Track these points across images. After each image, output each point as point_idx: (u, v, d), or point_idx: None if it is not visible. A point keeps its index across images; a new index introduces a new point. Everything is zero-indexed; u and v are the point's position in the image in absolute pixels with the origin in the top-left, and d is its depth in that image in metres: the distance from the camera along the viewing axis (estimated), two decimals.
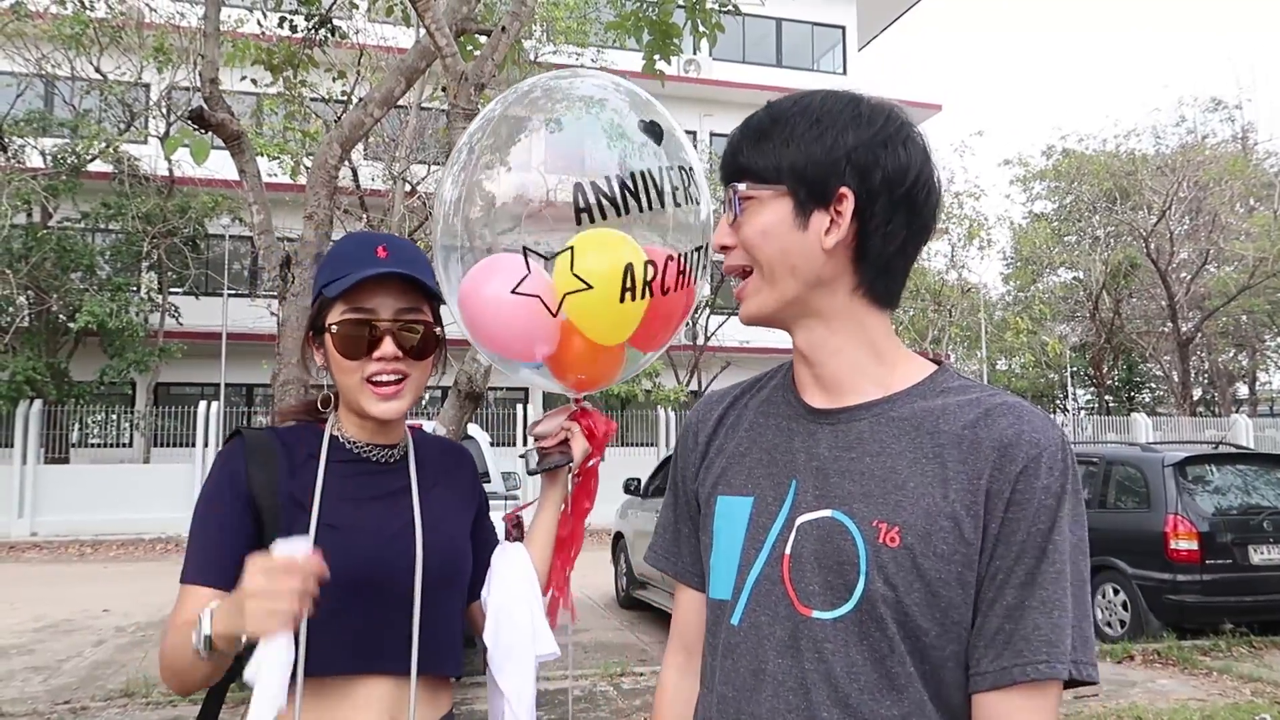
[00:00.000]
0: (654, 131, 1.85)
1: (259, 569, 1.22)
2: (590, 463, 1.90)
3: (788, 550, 1.11)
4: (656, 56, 5.43)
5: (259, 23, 8.73)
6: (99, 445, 19.21)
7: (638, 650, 7.58)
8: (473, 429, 7.62)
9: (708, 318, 21.28)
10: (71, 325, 16.96)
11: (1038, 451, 1.05)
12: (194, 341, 19.07)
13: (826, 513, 1.10)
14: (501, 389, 19.16)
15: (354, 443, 1.58)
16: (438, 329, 1.59)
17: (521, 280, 1.71)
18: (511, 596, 1.62)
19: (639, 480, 9.69)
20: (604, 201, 1.74)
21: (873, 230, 1.12)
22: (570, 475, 1.85)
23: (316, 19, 5.80)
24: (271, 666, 1.24)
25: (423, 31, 3.64)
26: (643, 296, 1.74)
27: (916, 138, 1.15)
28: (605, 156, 1.86)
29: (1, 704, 5.81)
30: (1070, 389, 30.13)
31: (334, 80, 6.68)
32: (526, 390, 20.24)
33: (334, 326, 1.51)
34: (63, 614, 9.07)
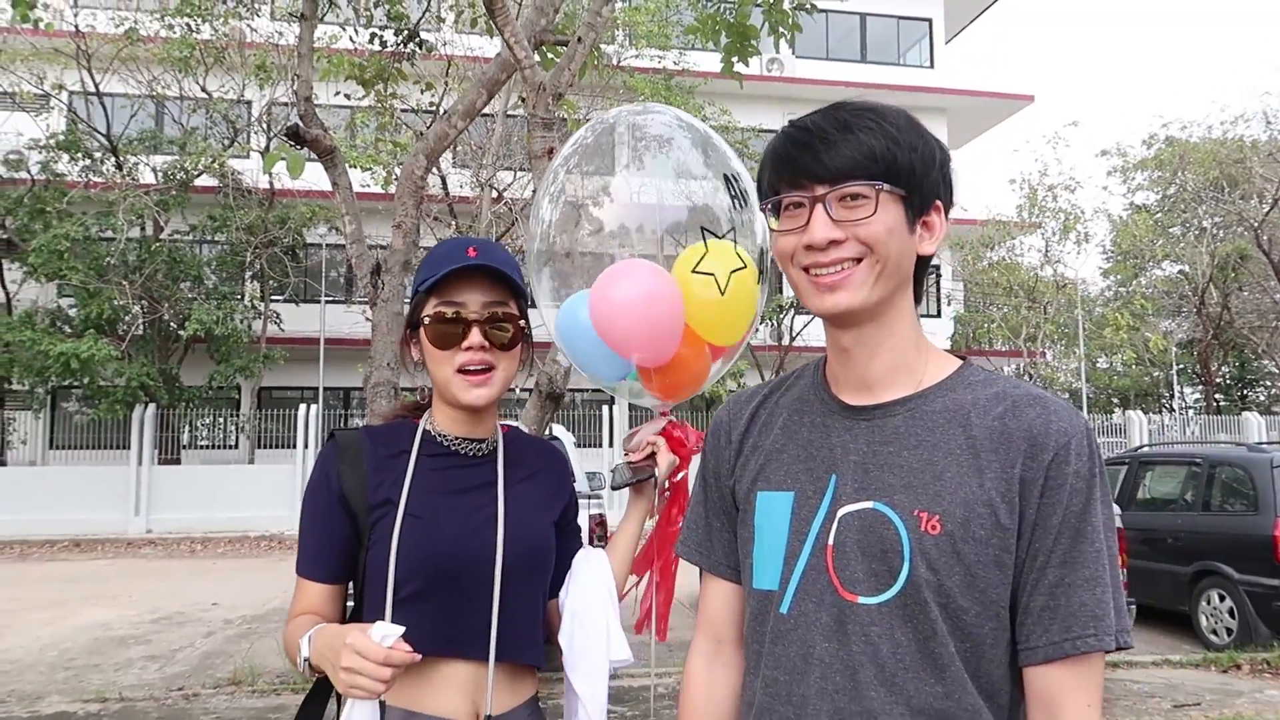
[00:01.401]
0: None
1: (355, 648, 1.33)
2: (679, 476, 1.96)
3: (830, 541, 1.19)
4: (735, 59, 5.46)
5: (351, 39, 9.09)
6: (207, 447, 20.13)
7: None
8: (558, 430, 7.77)
9: (792, 318, 21.16)
10: (181, 333, 17.85)
11: (1066, 440, 1.13)
12: (294, 347, 19.84)
13: (868, 504, 1.17)
14: (587, 390, 19.37)
15: (445, 436, 1.68)
16: (523, 322, 1.68)
17: (701, 259, 1.85)
18: (588, 601, 1.68)
19: None
20: (740, 192, 2.01)
21: (934, 239, 1.24)
22: (656, 488, 1.90)
23: (406, 33, 6.02)
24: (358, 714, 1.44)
25: (503, 47, 3.76)
26: (765, 281, 1.94)
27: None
28: (674, 188, 2.12)
29: (122, 689, 6.19)
30: (1177, 387, 28.90)
31: (422, 92, 6.89)
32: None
33: (426, 319, 1.62)
34: (176, 606, 9.57)
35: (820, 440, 1.26)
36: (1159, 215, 28.19)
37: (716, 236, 1.90)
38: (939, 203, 1.23)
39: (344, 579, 1.64)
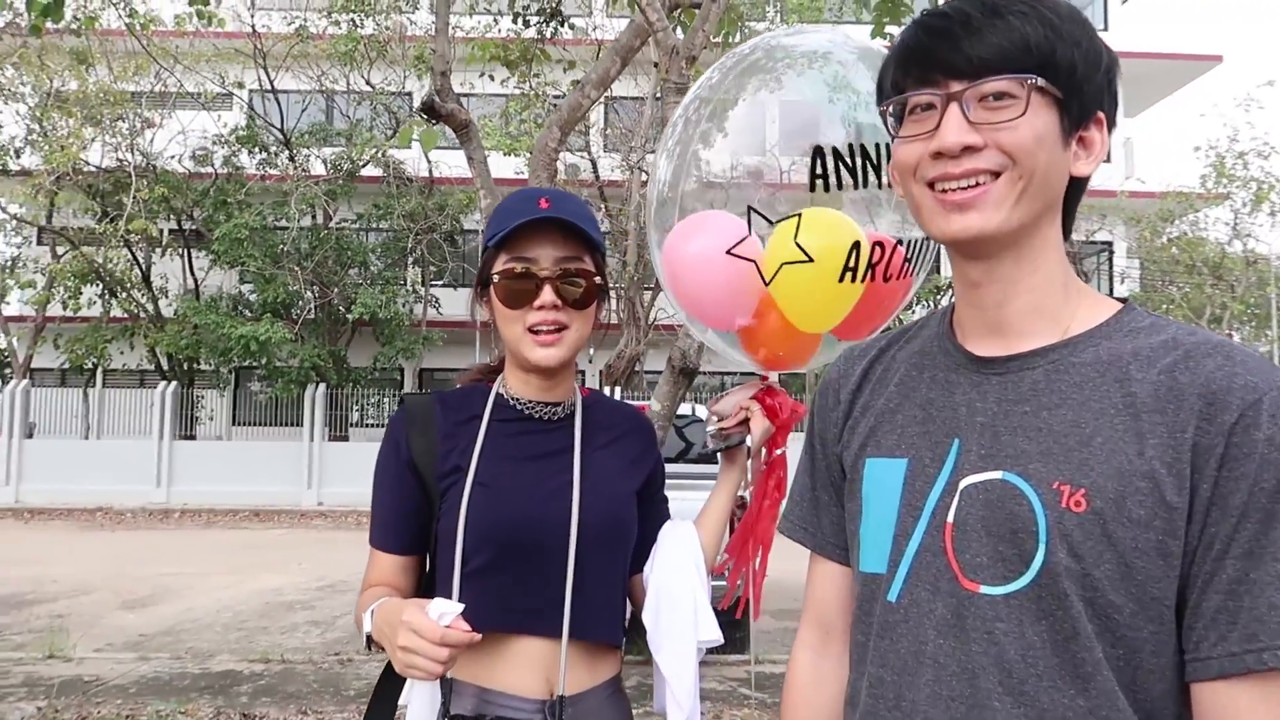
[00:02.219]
0: None
1: (410, 626, 1.25)
2: (778, 451, 1.81)
3: (950, 517, 0.99)
4: (886, 20, 5.17)
5: (499, 29, 9.25)
6: (373, 425, 21.14)
7: None
8: (701, 410, 7.66)
9: (950, 298, 20.24)
10: (349, 316, 18.80)
11: (1255, 398, 0.88)
12: (452, 330, 20.54)
13: (996, 474, 0.97)
14: (731, 372, 19.20)
15: (518, 400, 1.58)
16: (599, 279, 1.56)
17: (740, 242, 1.64)
18: (675, 576, 1.56)
19: None
20: (843, 170, 1.62)
21: (1091, 158, 1.01)
22: (750, 458, 1.75)
23: (549, 12, 6.02)
24: (420, 702, 1.36)
25: (637, 9, 3.65)
26: (862, 280, 1.62)
27: None
28: (829, 112, 1.75)
29: (285, 652, 6.52)
30: None
31: (565, 70, 6.90)
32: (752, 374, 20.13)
33: (497, 276, 1.52)
34: (340, 575, 10.06)
35: (942, 399, 1.06)
36: None
37: (767, 220, 1.63)
38: (1101, 114, 1.00)
39: (417, 549, 1.56)
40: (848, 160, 1.62)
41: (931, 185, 1.00)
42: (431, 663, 1.23)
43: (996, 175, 0.96)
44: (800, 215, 1.63)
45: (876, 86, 1.08)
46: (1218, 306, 22.10)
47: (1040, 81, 0.95)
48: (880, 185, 1.65)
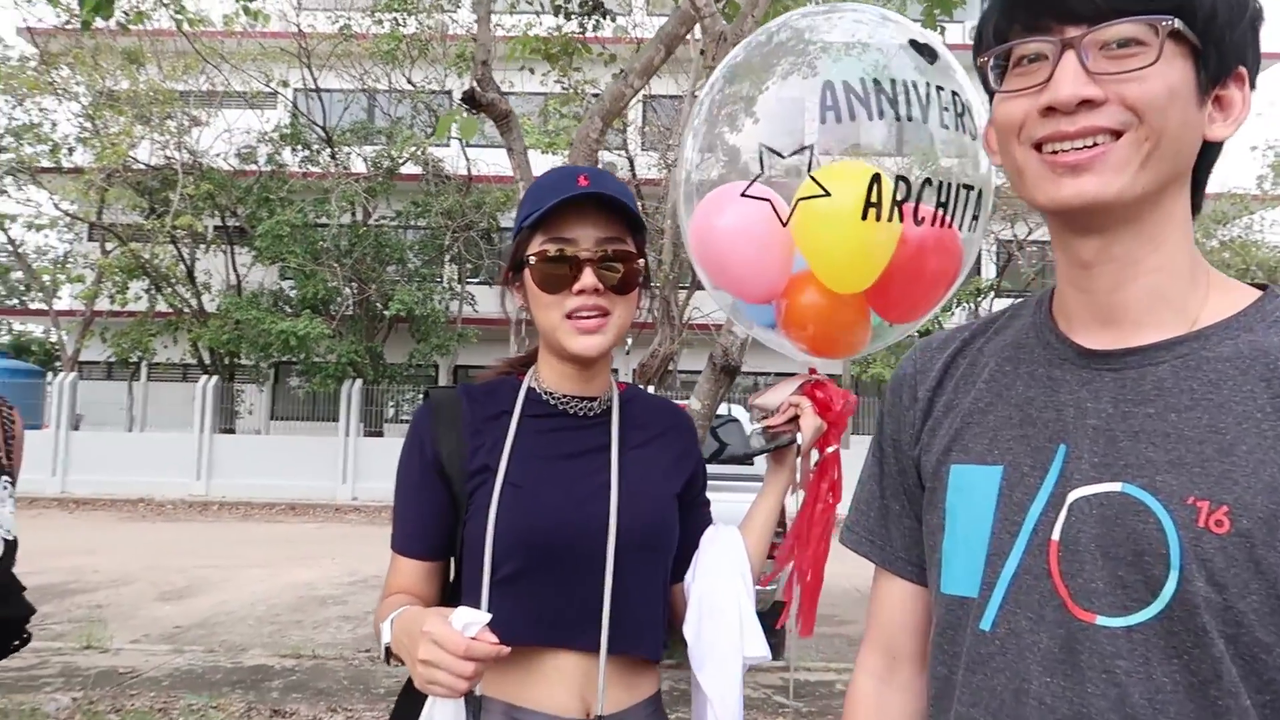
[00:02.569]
0: (926, 52, 1.60)
1: (432, 637, 1.14)
2: (830, 449, 1.68)
3: (1055, 535, 0.86)
4: (937, 12, 5.03)
5: (541, 24, 9.22)
6: (408, 421, 21.15)
7: None
8: (737, 410, 7.55)
9: (992, 301, 19.91)
10: (386, 312, 18.90)
11: None
12: (488, 327, 20.56)
13: (1115, 486, 0.84)
14: (769, 373, 19.02)
15: (552, 394, 1.47)
16: (642, 261, 1.45)
17: (754, 180, 1.55)
18: (718, 586, 1.43)
19: None
20: (854, 100, 1.52)
21: (1230, 121, 0.88)
22: (800, 459, 1.62)
23: (590, 4, 5.94)
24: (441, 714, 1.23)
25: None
26: (889, 218, 1.49)
27: None
28: (859, 104, 1.61)
29: (316, 647, 6.51)
30: None
31: (605, 64, 6.82)
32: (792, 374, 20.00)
33: (532, 258, 1.41)
34: (373, 570, 10.06)
35: (1044, 398, 0.92)
36: None
37: (779, 156, 1.56)
38: (1243, 70, 0.86)
39: (442, 555, 1.45)
40: (859, 93, 1.55)
41: (1039, 146, 0.87)
42: (455, 678, 1.12)
43: (1118, 135, 0.83)
44: (811, 146, 1.54)
45: (975, 36, 0.95)
46: None
47: (1178, 24, 0.81)
48: (898, 117, 1.56)
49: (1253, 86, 0.89)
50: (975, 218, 1.64)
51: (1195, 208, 0.92)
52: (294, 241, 18.21)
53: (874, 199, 1.48)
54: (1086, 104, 0.83)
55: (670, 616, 1.51)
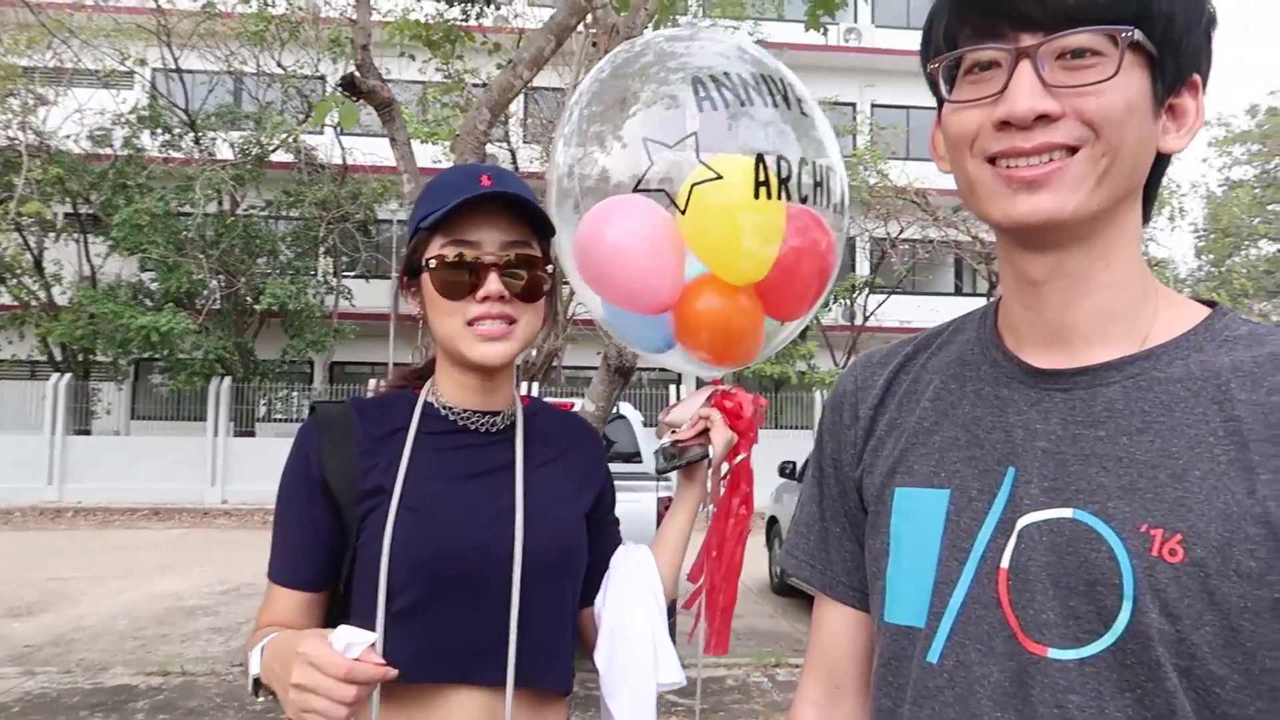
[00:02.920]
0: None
1: (308, 659, 1.02)
2: (739, 457, 1.64)
3: (1004, 563, 0.82)
4: (820, 12, 5.09)
5: (421, 9, 8.99)
6: (281, 420, 20.43)
7: (792, 640, 7.31)
8: (624, 407, 7.53)
9: (866, 296, 20.56)
10: (256, 307, 18.11)
11: None
12: (365, 322, 19.99)
13: (1065, 512, 0.81)
14: (654, 369, 19.17)
15: (451, 409, 1.38)
16: (549, 267, 1.37)
17: (646, 172, 1.53)
18: (631, 610, 1.37)
19: (794, 463, 9.41)
20: (724, 91, 1.60)
21: (1184, 132, 0.85)
22: (711, 471, 1.58)
23: None
24: None
25: None
26: (779, 196, 1.53)
27: None
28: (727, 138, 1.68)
29: (184, 662, 6.15)
30: None
31: (490, 53, 6.67)
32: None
33: (431, 262, 1.31)
34: (246, 577, 9.61)
35: (992, 418, 0.89)
36: (1258, 190, 26.72)
37: (665, 146, 1.58)
38: (1197, 78, 0.84)
39: (325, 586, 1.33)
40: (729, 84, 1.64)
41: (993, 160, 0.83)
42: (333, 704, 1.01)
43: (1074, 151, 0.80)
44: (696, 134, 1.58)
45: (922, 39, 0.90)
46: None
47: (1138, 35, 0.78)
48: (768, 104, 1.65)
49: (1205, 92, 0.87)
50: (842, 200, 1.71)
51: (1147, 216, 0.90)
52: (155, 231, 17.22)
53: (761, 177, 1.52)
54: (1043, 118, 0.79)
55: (579, 643, 1.44)
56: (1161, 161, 0.87)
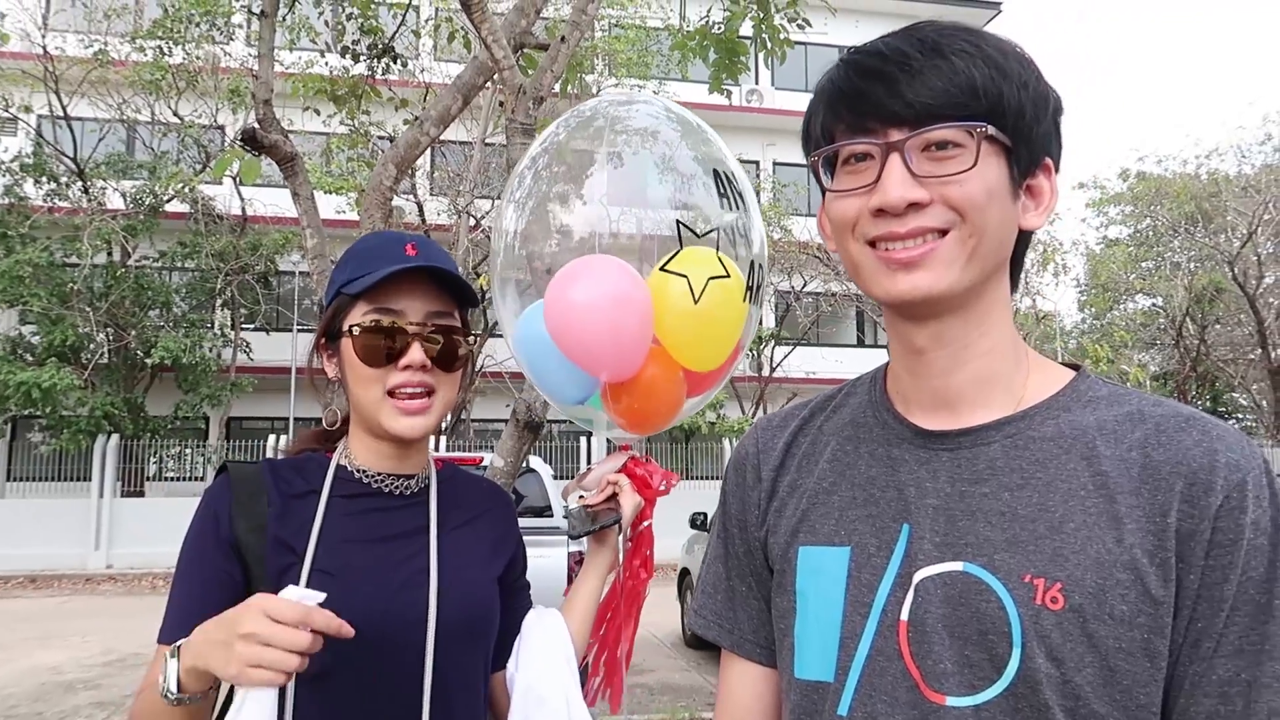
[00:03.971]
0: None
1: (264, 609, 1.02)
2: (643, 525, 1.67)
3: (904, 615, 0.88)
4: (724, 76, 5.25)
5: (326, 64, 8.91)
6: (174, 479, 19.56)
7: (706, 693, 7.27)
8: (534, 461, 7.47)
9: (773, 349, 20.97)
10: (148, 361, 17.40)
11: (1240, 477, 0.81)
12: (265, 376, 19.39)
13: (956, 566, 0.86)
14: (564, 421, 19.10)
15: (365, 471, 1.37)
16: (471, 338, 1.40)
17: (672, 256, 1.59)
18: (544, 675, 1.38)
19: (705, 514, 9.44)
20: (732, 193, 1.73)
21: (1041, 210, 0.94)
22: (621, 537, 1.61)
23: (379, 48, 5.78)
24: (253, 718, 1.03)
25: (480, 48, 3.52)
26: (754, 301, 1.67)
27: None
28: (658, 192, 1.81)
29: None
30: None
31: (396, 109, 6.64)
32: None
33: (354, 329, 1.32)
34: (132, 647, 9.09)
35: (885, 477, 0.95)
36: (1132, 249, 28.39)
37: (695, 234, 1.63)
38: (1049, 161, 0.93)
39: None
40: (736, 185, 1.77)
41: (874, 243, 0.90)
42: (285, 655, 1.00)
43: (945, 233, 0.88)
44: (717, 231, 1.67)
45: (803, 132, 0.99)
46: None
47: (990, 129, 0.86)
48: (733, 208, 1.75)
49: (1058, 171, 0.95)
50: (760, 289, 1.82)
51: (1014, 285, 0.98)
52: (37, 283, 16.46)
53: (751, 284, 1.66)
54: (914, 206, 0.87)
55: (490, 708, 1.42)
56: (1024, 237, 0.96)
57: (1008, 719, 0.82)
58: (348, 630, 1.05)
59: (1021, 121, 0.88)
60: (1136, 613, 0.80)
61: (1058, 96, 0.92)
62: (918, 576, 0.88)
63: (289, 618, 1.02)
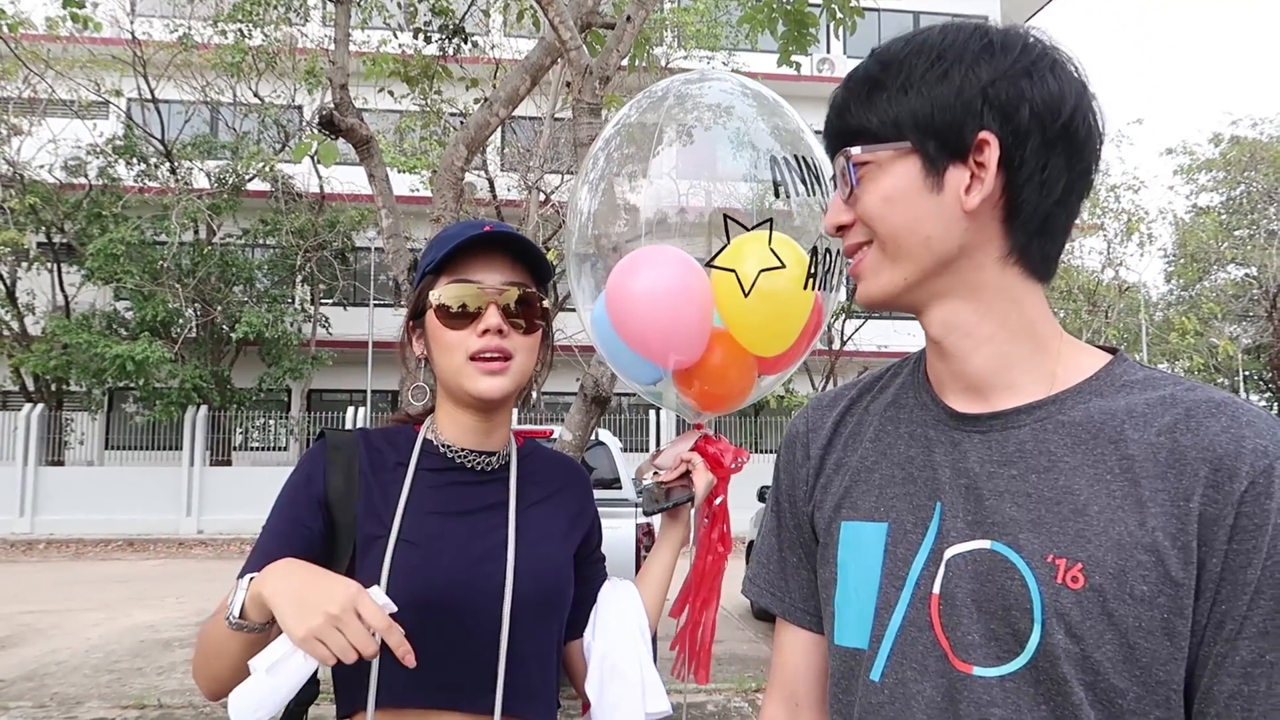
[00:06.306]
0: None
1: (355, 600, 1.09)
2: (717, 501, 1.72)
3: (935, 589, 0.92)
4: (792, 49, 5.22)
5: (399, 44, 9.08)
6: (258, 449, 20.30)
7: None
8: (603, 434, 7.57)
9: (843, 322, 20.75)
10: (233, 335, 18.04)
11: (1267, 463, 0.82)
12: (343, 350, 19.94)
13: (984, 544, 0.90)
14: (632, 394, 19.23)
15: (450, 446, 1.44)
16: (546, 305, 1.45)
17: (720, 251, 1.61)
18: (619, 644, 1.44)
19: None
20: (796, 178, 1.71)
21: (1025, 180, 0.89)
22: (694, 513, 1.66)
23: (450, 28, 5.88)
24: (289, 673, 1.11)
25: (547, 28, 3.57)
26: (820, 287, 1.67)
27: (1067, 62, 0.92)
28: (732, 167, 1.84)
29: (161, 695, 6.11)
30: (1244, 394, 27.87)
31: (467, 88, 6.75)
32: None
33: (435, 299, 1.39)
34: None
35: (922, 457, 0.98)
36: (1224, 217, 27.23)
37: (743, 228, 1.64)
38: (984, 135, 0.88)
39: None
40: (799, 170, 1.74)
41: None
42: (350, 650, 1.07)
43: (870, 244, 0.97)
44: (770, 222, 1.66)
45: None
46: (1093, 331, 23.30)
47: (857, 151, 0.94)
48: (811, 193, 1.75)
49: (1021, 137, 0.88)
50: (842, 271, 1.81)
51: (1044, 264, 0.95)
52: (130, 260, 17.17)
53: (813, 270, 1.65)
54: (842, 228, 0.98)
55: (565, 674, 1.49)
56: (1031, 211, 0.91)
57: (1030, 689, 0.86)
58: (410, 660, 1.12)
59: (919, 118, 0.90)
60: (1156, 593, 0.83)
61: (996, 70, 0.88)
62: (949, 553, 0.92)
63: (375, 624, 1.08)
